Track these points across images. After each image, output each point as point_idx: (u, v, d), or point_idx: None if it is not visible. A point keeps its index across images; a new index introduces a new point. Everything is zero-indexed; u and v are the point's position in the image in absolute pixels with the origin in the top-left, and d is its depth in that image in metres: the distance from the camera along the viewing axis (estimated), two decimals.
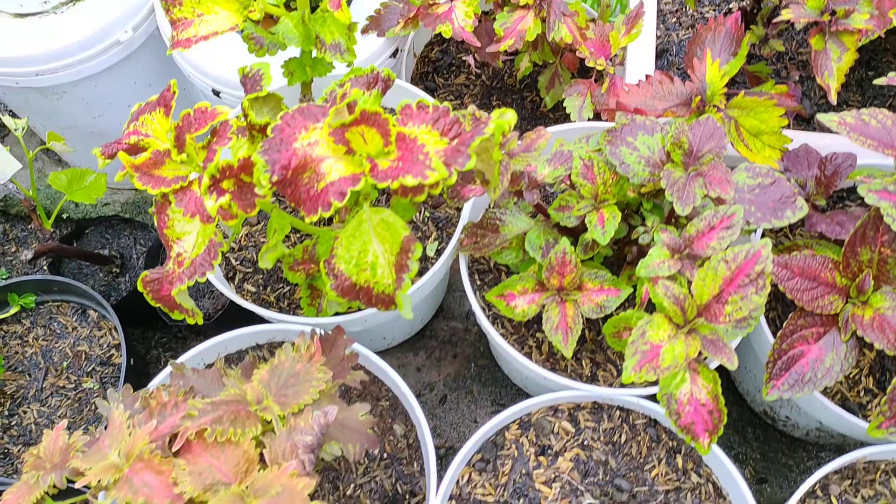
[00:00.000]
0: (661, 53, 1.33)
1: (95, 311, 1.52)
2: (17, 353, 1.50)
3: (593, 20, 1.31)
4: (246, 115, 0.89)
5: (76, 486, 0.80)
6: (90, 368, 1.45)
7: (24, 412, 1.44)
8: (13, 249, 1.85)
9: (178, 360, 1.09)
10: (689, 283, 0.86)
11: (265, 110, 0.92)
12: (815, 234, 1.00)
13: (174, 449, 0.80)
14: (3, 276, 1.68)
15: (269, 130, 0.83)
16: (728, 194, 0.88)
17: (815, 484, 1.04)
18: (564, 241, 0.98)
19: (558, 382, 1.05)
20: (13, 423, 1.43)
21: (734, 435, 1.33)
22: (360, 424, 0.88)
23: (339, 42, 0.98)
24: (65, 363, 1.48)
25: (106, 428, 0.85)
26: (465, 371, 1.39)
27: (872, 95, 1.24)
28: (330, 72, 1.04)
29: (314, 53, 1.04)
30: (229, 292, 1.13)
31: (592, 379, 1.09)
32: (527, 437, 1.07)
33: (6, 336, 1.51)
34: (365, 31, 1.31)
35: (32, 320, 1.53)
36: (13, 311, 1.52)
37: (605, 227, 0.94)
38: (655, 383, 1.05)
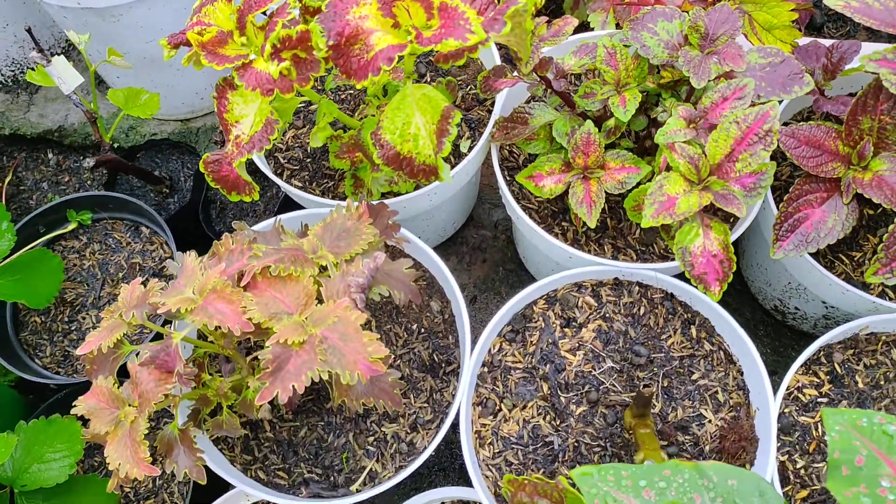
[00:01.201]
0: None
1: (147, 227, 1.63)
2: (75, 265, 1.61)
3: None
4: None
5: (158, 312, 0.90)
6: (144, 279, 1.55)
7: (83, 318, 1.55)
8: (66, 179, 1.97)
9: None
10: (703, 147, 0.94)
11: None
12: (822, 115, 1.08)
13: (242, 284, 0.90)
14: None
15: (324, 6, 0.92)
16: (741, 67, 0.96)
17: (819, 351, 1.12)
18: (589, 123, 1.07)
19: (583, 258, 1.14)
20: (73, 328, 1.54)
21: (747, 332, 1.41)
22: (405, 276, 0.98)
23: None
24: (120, 274, 1.59)
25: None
26: (494, 274, 1.49)
27: None
28: None
29: None
30: (280, 181, 1.23)
31: (614, 260, 1.18)
32: (553, 310, 1.16)
33: (65, 251, 1.62)
34: None
35: (89, 236, 1.63)
36: (71, 226, 1.62)
37: (626, 107, 1.03)
38: (672, 259, 1.14)
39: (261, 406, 0.99)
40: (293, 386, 0.82)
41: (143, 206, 1.55)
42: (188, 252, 0.96)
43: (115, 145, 1.92)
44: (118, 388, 0.95)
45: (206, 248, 1.70)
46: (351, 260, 0.94)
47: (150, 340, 1.35)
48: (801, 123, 0.99)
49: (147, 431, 0.90)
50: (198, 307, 0.88)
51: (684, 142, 0.96)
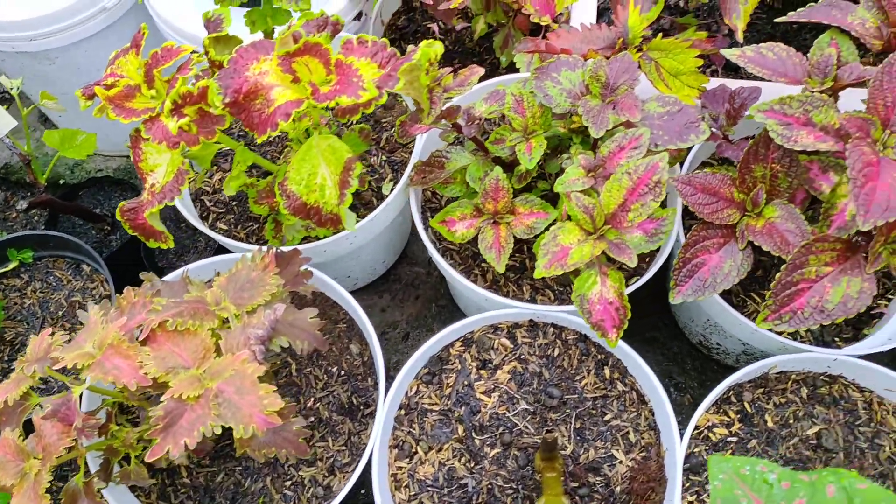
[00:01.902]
0: (602, 12, 1.44)
1: (89, 265, 1.63)
2: (16, 304, 1.61)
3: None
4: (207, 53, 1.01)
5: (55, 368, 0.91)
6: (52, 331, 1.55)
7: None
8: (14, 216, 1.97)
9: None
10: (599, 197, 0.96)
11: (225, 50, 1.04)
12: (724, 159, 1.10)
13: (141, 339, 0.91)
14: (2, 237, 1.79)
15: (226, 61, 0.94)
16: (636, 117, 0.98)
17: (729, 390, 1.14)
18: (498, 170, 1.09)
19: (499, 302, 1.16)
20: (12, 368, 1.54)
21: (674, 366, 1.43)
22: (309, 325, 0.99)
23: None
24: (60, 313, 1.59)
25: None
26: (427, 311, 1.50)
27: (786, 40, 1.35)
28: (289, 20, 1.16)
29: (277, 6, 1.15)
30: (202, 226, 1.24)
31: (532, 302, 1.20)
32: (469, 352, 1.17)
33: (6, 289, 1.62)
34: None
35: (31, 274, 1.64)
36: (12, 265, 1.62)
37: (531, 154, 1.05)
38: None
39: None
40: (185, 442, 0.83)
41: (81, 245, 1.56)
42: (93, 307, 0.96)
43: (61, 181, 1.93)
44: (24, 440, 0.96)
45: None
46: (253, 311, 0.95)
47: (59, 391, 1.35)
48: (697, 171, 1.01)
49: (49, 485, 0.91)
50: (95, 363, 0.88)
51: (582, 191, 0.98)
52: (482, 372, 1.16)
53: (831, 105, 0.93)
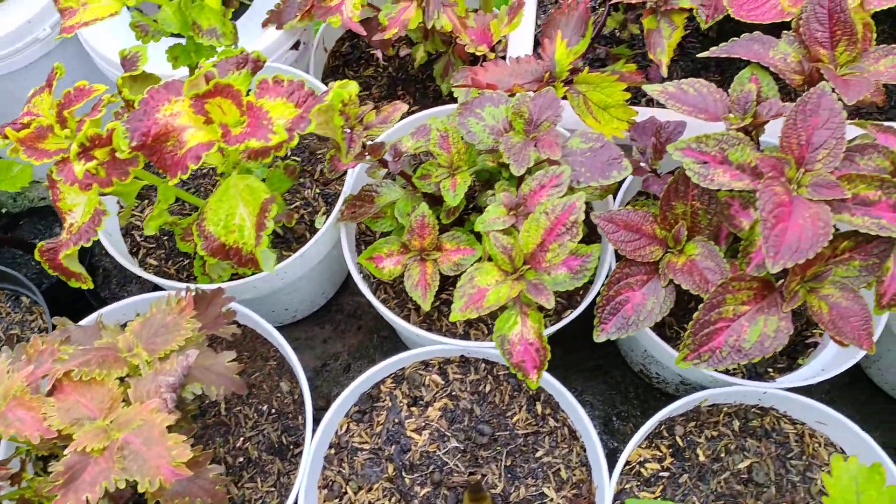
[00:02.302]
0: (539, 41, 1.44)
1: (28, 297, 1.60)
2: None
3: (475, 10, 1.41)
4: (121, 92, 0.99)
5: None
6: None
7: None
8: None
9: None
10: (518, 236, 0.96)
11: (141, 89, 1.02)
12: (652, 194, 1.10)
13: (46, 389, 0.89)
14: None
15: (136, 102, 0.92)
16: (556, 155, 0.97)
17: (661, 424, 1.13)
18: (424, 206, 1.08)
19: (430, 339, 1.14)
20: None
21: (617, 395, 1.42)
22: (226, 369, 0.97)
23: (215, 28, 1.08)
24: None
25: None
26: (369, 342, 1.48)
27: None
28: (212, 56, 1.14)
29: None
30: (130, 265, 1.22)
31: (465, 337, 1.19)
32: (400, 389, 1.16)
33: None
34: (265, 24, 1.41)
35: None
36: None
37: (455, 191, 1.04)
38: None
39: None
40: (87, 498, 0.81)
41: (20, 278, 1.53)
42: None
43: (3, 210, 1.90)
44: None
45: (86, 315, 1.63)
46: (166, 357, 0.93)
47: None
48: (620, 208, 1.01)
49: None
50: None
51: (503, 230, 0.97)
52: (413, 409, 1.14)
53: (747, 143, 0.93)
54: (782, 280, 0.93)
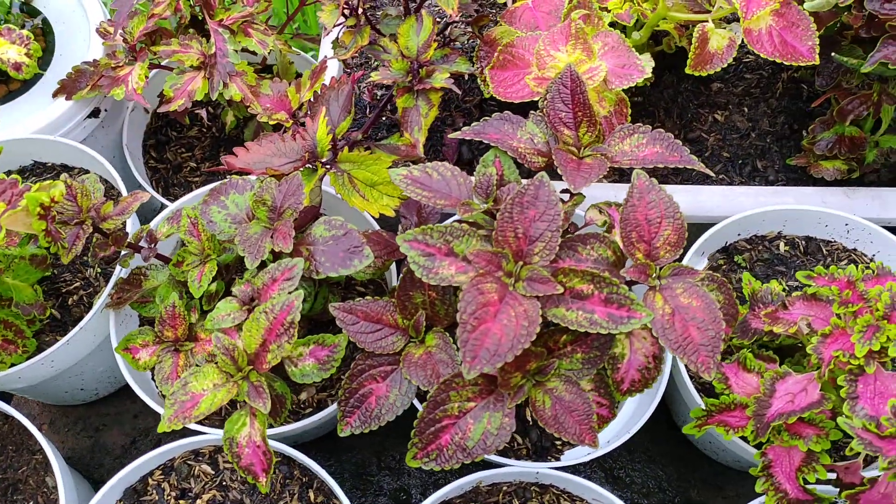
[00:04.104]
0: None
1: None
2: None
3: (272, 77, 1.38)
4: None
5: None
6: None
7: None
8: None
9: None
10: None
11: None
12: None
13: None
14: None
15: None
16: (287, 248, 0.95)
17: None
18: (174, 296, 1.05)
19: (192, 427, 1.10)
20: None
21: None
22: None
23: None
24: None
25: None
26: None
27: None
28: None
29: None
30: None
31: None
32: (169, 481, 1.12)
33: None
34: (55, 94, 1.36)
35: None
36: None
37: (201, 282, 1.01)
38: (289, 422, 1.12)
39: None
40: None
41: None
42: None
43: None
44: None
45: None
46: None
47: None
48: (358, 299, 0.98)
49: None
50: None
51: (236, 326, 0.94)
52: (181, 502, 1.10)
53: (473, 234, 0.91)
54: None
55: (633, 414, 1.19)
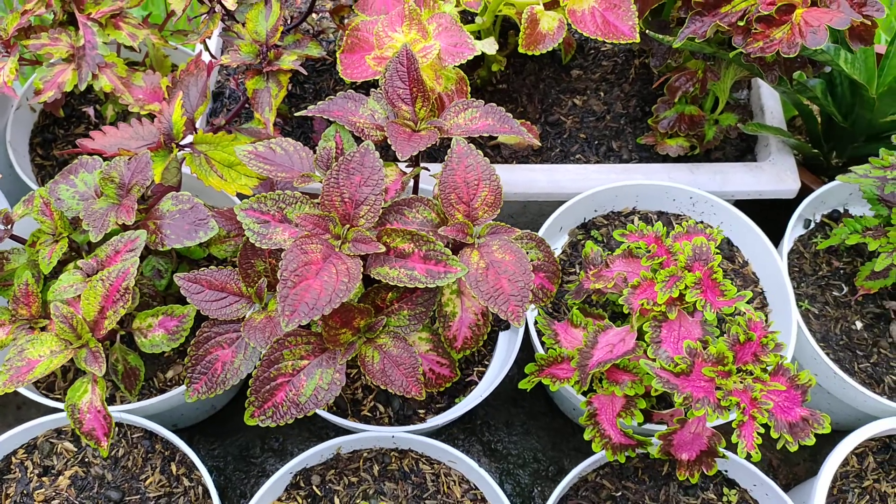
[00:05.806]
0: (217, 95, 1.46)
1: None
2: None
3: (146, 69, 1.42)
4: None
5: None
6: None
7: None
8: None
9: None
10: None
11: None
12: None
13: None
14: None
15: None
16: (129, 221, 0.98)
17: (297, 475, 1.14)
18: (27, 274, 1.07)
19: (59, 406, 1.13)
20: None
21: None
22: None
23: None
24: None
25: None
26: None
27: None
28: None
29: None
30: None
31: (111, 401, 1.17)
32: (32, 459, 1.13)
33: None
34: None
35: None
36: None
37: (51, 259, 1.04)
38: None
39: None
40: None
41: None
42: None
43: None
44: None
45: None
46: None
47: None
48: (202, 269, 1.02)
49: None
50: None
51: (76, 298, 0.97)
52: (44, 479, 1.12)
53: (305, 201, 0.96)
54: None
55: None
